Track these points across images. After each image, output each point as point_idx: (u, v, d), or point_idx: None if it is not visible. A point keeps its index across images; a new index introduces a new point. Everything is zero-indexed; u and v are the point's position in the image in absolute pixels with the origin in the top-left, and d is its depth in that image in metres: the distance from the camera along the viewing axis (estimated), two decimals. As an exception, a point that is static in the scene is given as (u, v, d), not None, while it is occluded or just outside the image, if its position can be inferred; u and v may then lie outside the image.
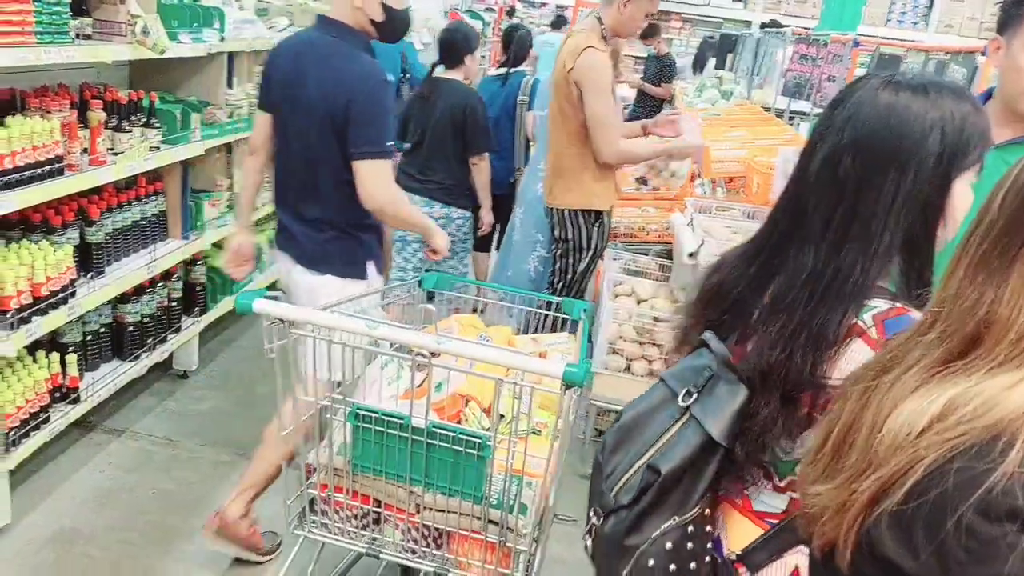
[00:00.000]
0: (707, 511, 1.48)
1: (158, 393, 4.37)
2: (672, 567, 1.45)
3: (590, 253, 4.06)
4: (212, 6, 4.39)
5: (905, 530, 0.95)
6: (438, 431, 2.16)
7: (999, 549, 0.89)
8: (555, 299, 2.94)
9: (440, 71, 4.83)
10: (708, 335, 1.53)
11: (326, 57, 2.82)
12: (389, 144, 2.82)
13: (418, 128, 4.69)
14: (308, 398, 2.30)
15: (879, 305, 1.39)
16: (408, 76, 5.39)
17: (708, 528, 1.49)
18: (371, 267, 2.99)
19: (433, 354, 2.14)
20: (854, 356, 1.37)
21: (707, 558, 1.49)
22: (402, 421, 2.15)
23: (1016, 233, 0.96)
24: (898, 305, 1.40)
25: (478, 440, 2.13)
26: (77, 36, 3.35)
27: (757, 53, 8.81)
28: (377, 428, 2.18)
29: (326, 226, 2.91)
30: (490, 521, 2.27)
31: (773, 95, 7.72)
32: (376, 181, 2.80)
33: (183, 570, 3.11)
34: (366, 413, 2.19)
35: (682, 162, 5.23)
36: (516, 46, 5.69)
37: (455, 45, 4.80)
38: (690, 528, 1.46)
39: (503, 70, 5.68)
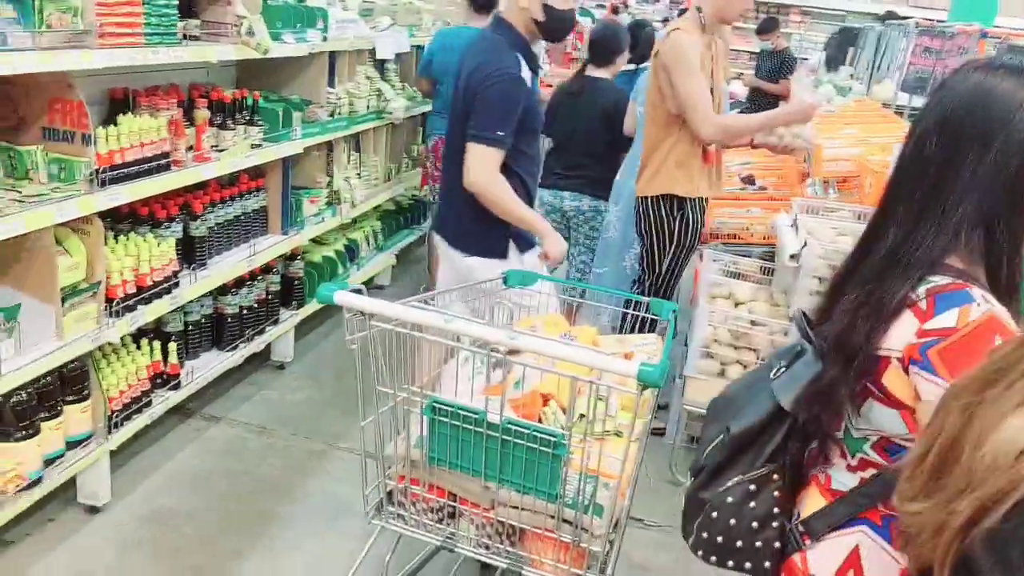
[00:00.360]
0: (775, 476, 1.58)
1: (256, 383, 4.52)
2: (732, 521, 1.57)
3: (673, 248, 3.95)
4: (316, 7, 4.52)
5: (1000, 551, 0.90)
6: (513, 427, 2.17)
7: None
8: (644, 299, 2.92)
9: (590, 69, 4.94)
10: (798, 313, 1.65)
11: (478, 52, 3.05)
12: (500, 134, 2.94)
13: (567, 125, 4.81)
14: (386, 390, 2.34)
15: (939, 280, 1.41)
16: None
17: (776, 493, 1.58)
18: (512, 248, 3.15)
19: (512, 351, 2.17)
20: (902, 327, 1.42)
21: (774, 523, 1.58)
22: (477, 416, 2.17)
23: None
24: (958, 281, 1.40)
25: (553, 438, 2.13)
26: (185, 37, 3.49)
27: (878, 47, 8.44)
28: (453, 422, 2.21)
29: (466, 207, 3.07)
30: (564, 520, 2.27)
31: (893, 91, 7.43)
32: (477, 165, 2.96)
33: (268, 554, 3.21)
34: (442, 407, 2.22)
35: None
36: (643, 44, 5.53)
37: (606, 44, 4.90)
38: (752, 487, 1.57)
39: (631, 66, 5.69)
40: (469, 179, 2.99)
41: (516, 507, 2.26)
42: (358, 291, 2.21)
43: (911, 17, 9.06)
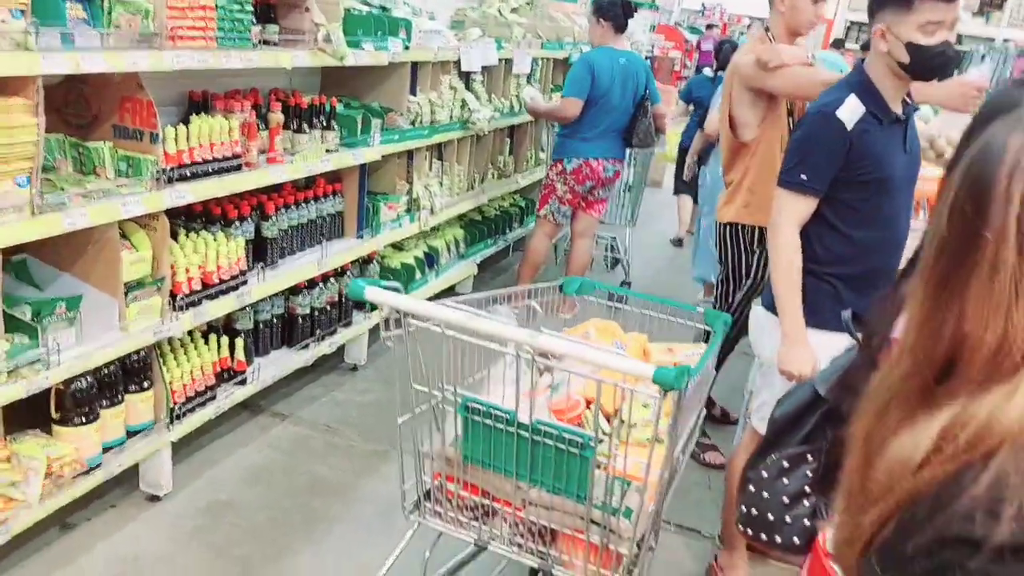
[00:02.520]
0: (809, 456, 1.66)
1: (326, 384, 4.59)
2: (764, 494, 1.68)
3: (748, 282, 3.77)
4: (401, 17, 4.59)
5: (888, 556, 0.90)
6: (543, 428, 2.19)
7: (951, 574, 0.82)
8: (698, 309, 2.86)
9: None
10: (846, 313, 1.71)
11: None
12: (802, 178, 2.62)
13: None
14: (422, 388, 2.38)
15: None
16: (648, 93, 5.46)
17: (809, 473, 1.66)
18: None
19: (544, 355, 2.18)
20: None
21: (805, 501, 1.66)
22: (508, 416, 2.20)
23: (967, 246, 0.86)
24: None
25: (581, 440, 2.14)
26: (263, 42, 3.59)
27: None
28: (485, 421, 2.25)
29: None
30: (593, 521, 2.28)
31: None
32: (774, 208, 2.71)
33: (317, 551, 3.25)
34: (475, 406, 2.26)
35: None
36: (723, 56, 6.14)
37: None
38: (785, 464, 1.67)
39: (711, 73, 6.23)
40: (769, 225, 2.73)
41: (547, 507, 2.28)
42: (395, 289, 2.24)
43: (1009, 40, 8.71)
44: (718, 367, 2.93)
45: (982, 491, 0.81)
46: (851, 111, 2.58)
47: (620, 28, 5.31)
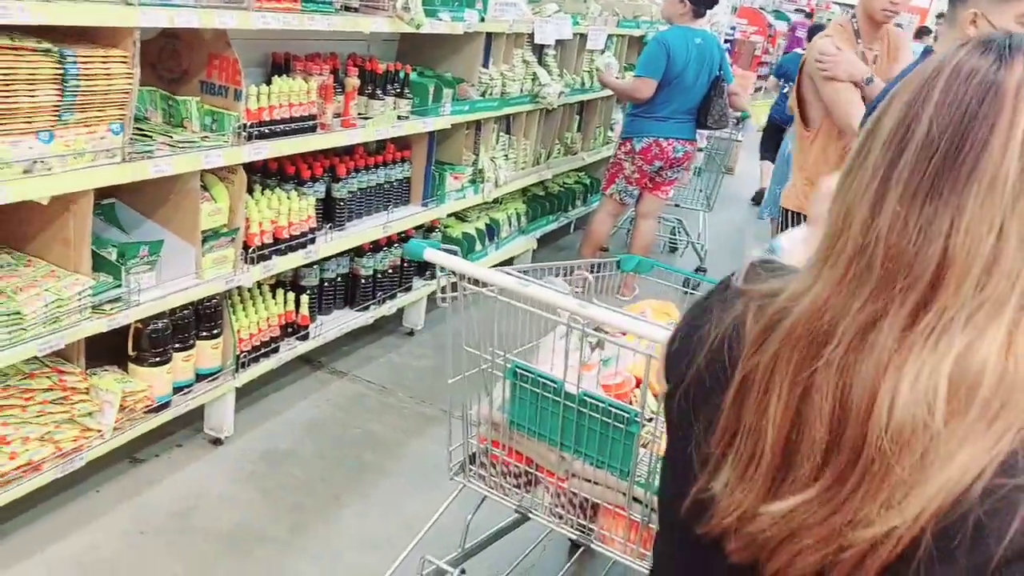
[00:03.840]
0: None
1: (384, 345, 4.72)
2: None
3: None
4: (478, -11, 4.65)
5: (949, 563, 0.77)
6: (589, 400, 2.21)
7: None
8: None
9: None
10: None
11: None
12: None
13: None
14: (473, 351, 2.42)
15: None
16: (722, 73, 5.45)
17: None
18: None
19: (596, 328, 2.22)
20: None
21: None
22: (556, 385, 2.23)
23: (963, 151, 0.81)
24: None
25: (627, 415, 2.16)
26: (344, 8, 3.68)
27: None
28: (533, 389, 2.28)
29: None
30: (635, 499, 2.29)
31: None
32: None
33: (364, 503, 3.37)
34: (524, 372, 2.29)
35: None
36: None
37: None
38: None
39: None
40: None
41: (590, 481, 2.30)
42: (452, 251, 2.31)
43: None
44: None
45: None
46: None
47: (700, 14, 5.30)
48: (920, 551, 0.77)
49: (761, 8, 14.89)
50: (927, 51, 2.69)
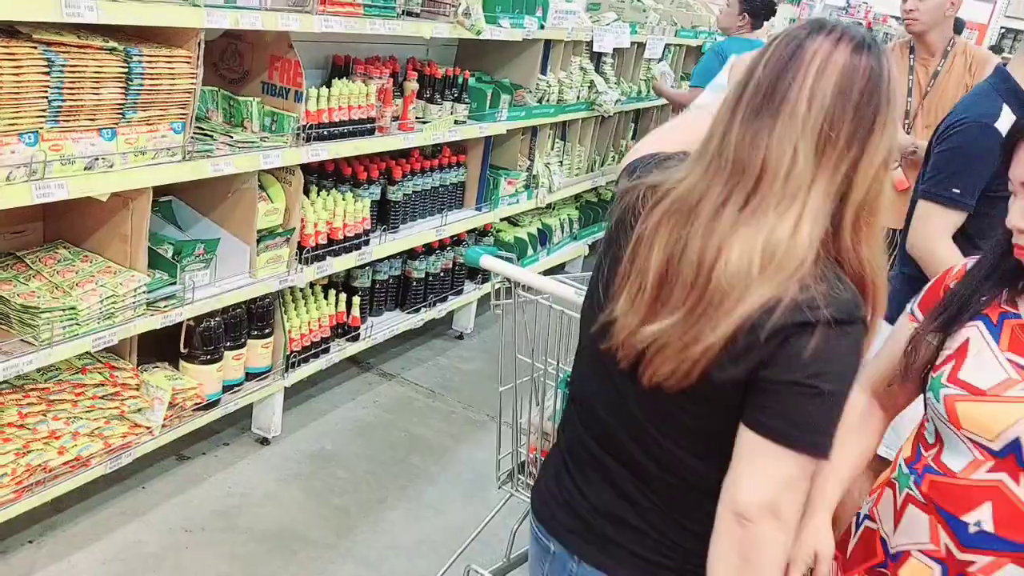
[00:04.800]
0: None
1: (433, 349, 4.72)
2: None
3: None
4: (540, -5, 4.64)
5: (735, 347, 1.22)
6: None
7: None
8: None
9: None
10: None
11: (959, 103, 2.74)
12: (952, 191, 2.51)
13: None
14: (525, 359, 2.41)
15: None
16: None
17: None
18: None
19: None
20: None
21: None
22: None
23: (777, 92, 1.23)
24: None
25: None
26: (405, 13, 3.68)
27: None
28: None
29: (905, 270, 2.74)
30: None
31: None
32: (920, 223, 2.61)
33: (410, 507, 3.36)
34: None
35: None
36: None
37: None
38: None
39: None
40: (910, 240, 2.63)
41: None
42: (508, 259, 2.29)
43: None
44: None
45: (797, 294, 1.19)
46: (1007, 123, 2.45)
47: (758, 25, 5.23)
48: (728, 353, 1.23)
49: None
50: (1001, 68, 2.61)
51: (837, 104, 1.21)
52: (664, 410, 1.33)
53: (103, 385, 2.83)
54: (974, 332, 1.50)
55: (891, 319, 1.69)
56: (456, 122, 4.15)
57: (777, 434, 1.23)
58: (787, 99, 1.22)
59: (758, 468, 1.25)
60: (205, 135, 2.97)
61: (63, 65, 2.31)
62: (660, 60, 6.26)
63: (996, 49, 10.87)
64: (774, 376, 1.22)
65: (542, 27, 4.59)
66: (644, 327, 1.27)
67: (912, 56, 3.63)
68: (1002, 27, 16.51)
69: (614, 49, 5.53)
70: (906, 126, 3.63)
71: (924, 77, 3.63)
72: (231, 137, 3.02)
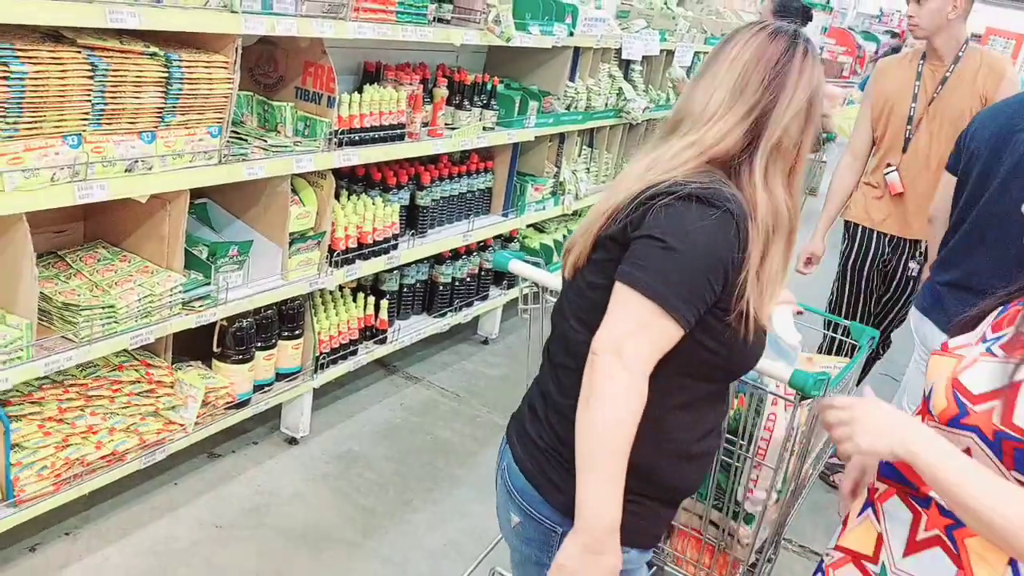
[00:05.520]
0: None
1: (458, 353, 4.76)
2: None
3: (838, 271, 4.09)
4: (567, 3, 4.67)
5: (618, 214, 1.51)
6: None
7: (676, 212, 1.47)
8: (844, 322, 2.85)
9: None
10: None
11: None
12: None
13: None
14: None
15: None
16: None
17: None
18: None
19: None
20: None
21: None
22: None
23: (711, 63, 1.61)
24: None
25: None
26: (436, 20, 3.73)
27: None
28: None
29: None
30: (711, 522, 2.29)
31: None
32: None
33: (435, 509, 3.40)
34: None
35: None
36: None
37: None
38: None
39: None
40: None
41: None
42: (536, 264, 2.32)
43: None
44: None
45: (675, 181, 1.47)
46: None
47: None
48: (612, 221, 1.51)
49: (850, 28, 14.65)
50: None
51: (751, 64, 1.53)
52: (576, 292, 1.59)
53: (139, 382, 2.89)
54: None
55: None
56: (484, 128, 4.19)
57: (626, 276, 1.44)
58: (714, 67, 1.58)
59: (613, 312, 1.45)
60: (240, 139, 3.02)
61: (106, 69, 2.37)
62: (676, 65, 6.27)
63: None
64: (635, 233, 1.46)
65: (571, 34, 4.62)
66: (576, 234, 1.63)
67: (922, 62, 3.65)
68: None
69: (643, 57, 5.55)
70: (907, 131, 3.67)
71: (932, 83, 3.64)
72: (265, 141, 3.08)
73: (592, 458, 1.42)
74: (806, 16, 5.24)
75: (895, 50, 6.57)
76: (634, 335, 1.42)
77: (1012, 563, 1.41)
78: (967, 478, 1.28)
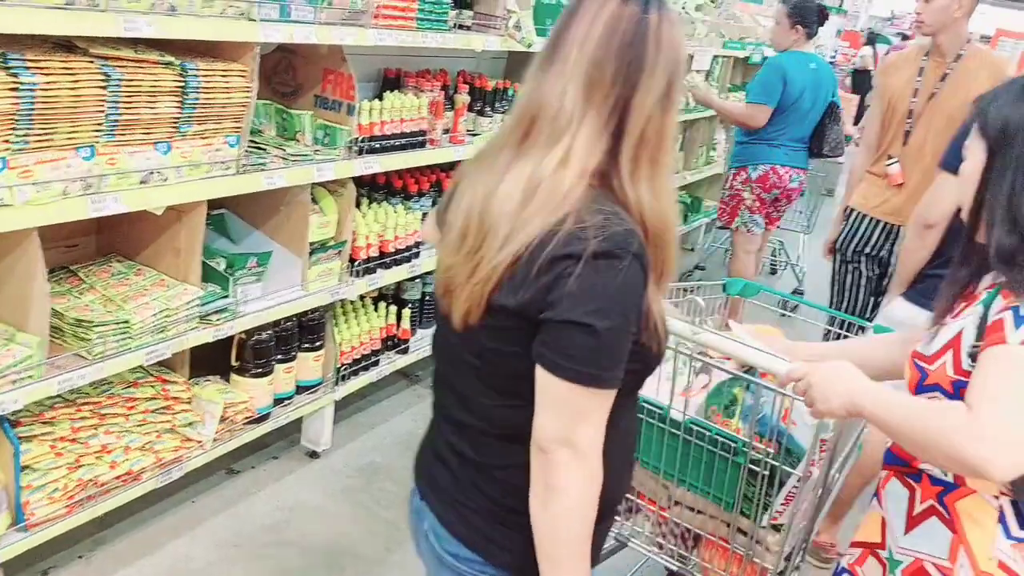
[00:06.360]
0: None
1: (481, 362, 4.68)
2: None
3: (838, 253, 4.04)
4: (589, 7, 4.59)
5: (519, 280, 1.30)
6: (695, 427, 2.14)
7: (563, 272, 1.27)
8: (863, 323, 2.78)
9: None
10: None
11: None
12: None
13: None
14: None
15: None
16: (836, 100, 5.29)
17: None
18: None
19: (703, 352, 2.15)
20: None
21: None
22: (661, 412, 2.16)
23: (557, 44, 1.34)
24: None
25: (734, 444, 2.09)
26: (457, 26, 3.66)
27: None
28: (638, 415, 2.16)
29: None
30: (739, 531, 2.22)
31: None
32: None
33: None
34: None
35: None
36: None
37: None
38: None
39: None
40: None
41: (691, 508, 2.24)
42: None
43: None
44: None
45: (572, 226, 1.27)
46: None
47: (812, 34, 5.14)
48: (510, 284, 1.31)
49: (863, 31, 14.56)
50: None
51: (601, 47, 1.31)
52: (475, 353, 1.40)
53: (155, 399, 2.83)
54: None
55: None
56: (508, 135, 4.11)
57: (557, 369, 1.30)
58: (562, 48, 1.34)
59: (549, 401, 1.32)
60: (259, 148, 2.96)
61: (120, 79, 2.31)
62: (693, 72, 6.18)
63: None
64: (549, 311, 1.28)
65: (593, 39, 4.53)
66: (446, 267, 1.40)
67: (926, 58, 3.68)
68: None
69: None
70: (908, 124, 3.71)
71: (933, 78, 3.65)
72: (284, 150, 3.01)
73: (558, 552, 1.37)
74: (823, 17, 5.13)
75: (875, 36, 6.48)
76: (581, 422, 1.32)
77: (1001, 519, 1.52)
78: (893, 411, 1.49)
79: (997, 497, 1.51)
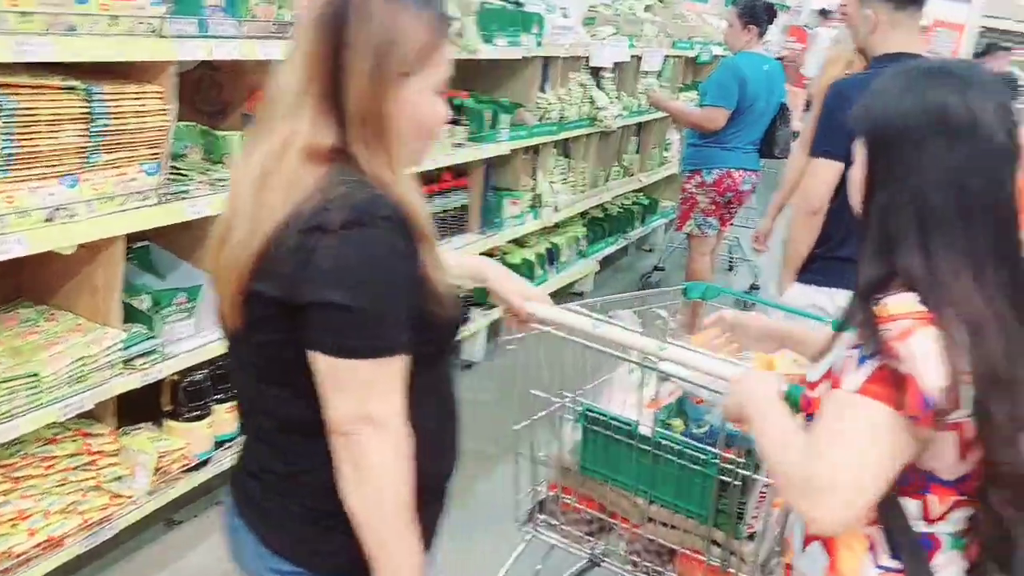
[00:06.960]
0: None
1: (440, 381, 4.49)
2: None
3: None
4: (534, 12, 4.44)
5: (272, 262, 1.26)
6: (664, 442, 2.11)
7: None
8: (817, 318, 2.65)
9: None
10: None
11: None
12: None
13: None
14: (540, 393, 2.30)
15: None
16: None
17: None
18: None
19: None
20: None
21: None
22: (630, 428, 2.13)
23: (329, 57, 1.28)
24: None
25: (704, 456, 2.07)
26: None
27: None
28: (606, 432, 2.19)
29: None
30: (714, 542, 2.21)
31: None
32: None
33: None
34: (596, 415, 2.19)
35: None
36: None
37: None
38: None
39: None
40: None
41: (666, 524, 2.22)
42: None
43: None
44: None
45: (317, 202, 1.24)
46: None
47: (763, 33, 5.03)
48: (261, 271, 1.26)
49: (806, 27, 14.72)
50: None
51: (313, 25, 1.29)
52: (252, 352, 1.36)
53: (77, 455, 2.59)
54: None
55: None
56: (455, 145, 3.94)
57: (328, 348, 1.25)
58: (298, 27, 1.38)
59: (334, 384, 1.27)
60: (181, 175, 2.74)
61: (14, 109, 2.09)
62: (645, 74, 6.07)
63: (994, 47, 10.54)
64: (308, 291, 1.24)
65: (539, 44, 4.41)
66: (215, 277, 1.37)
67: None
68: (981, 27, 15.78)
69: (615, 63, 5.34)
70: None
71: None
72: (210, 175, 2.80)
73: (382, 534, 1.32)
74: (772, 14, 5.02)
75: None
76: (372, 396, 1.28)
77: (871, 548, 1.43)
78: (767, 432, 1.44)
79: (869, 525, 1.41)
